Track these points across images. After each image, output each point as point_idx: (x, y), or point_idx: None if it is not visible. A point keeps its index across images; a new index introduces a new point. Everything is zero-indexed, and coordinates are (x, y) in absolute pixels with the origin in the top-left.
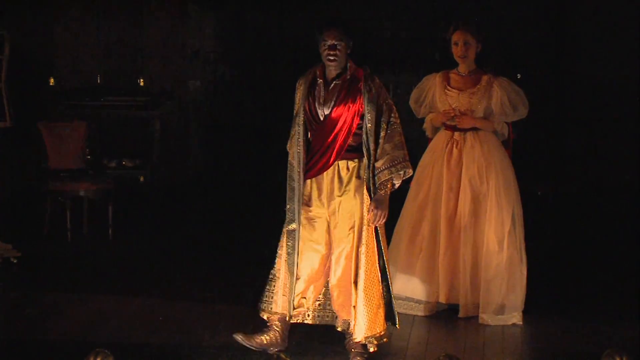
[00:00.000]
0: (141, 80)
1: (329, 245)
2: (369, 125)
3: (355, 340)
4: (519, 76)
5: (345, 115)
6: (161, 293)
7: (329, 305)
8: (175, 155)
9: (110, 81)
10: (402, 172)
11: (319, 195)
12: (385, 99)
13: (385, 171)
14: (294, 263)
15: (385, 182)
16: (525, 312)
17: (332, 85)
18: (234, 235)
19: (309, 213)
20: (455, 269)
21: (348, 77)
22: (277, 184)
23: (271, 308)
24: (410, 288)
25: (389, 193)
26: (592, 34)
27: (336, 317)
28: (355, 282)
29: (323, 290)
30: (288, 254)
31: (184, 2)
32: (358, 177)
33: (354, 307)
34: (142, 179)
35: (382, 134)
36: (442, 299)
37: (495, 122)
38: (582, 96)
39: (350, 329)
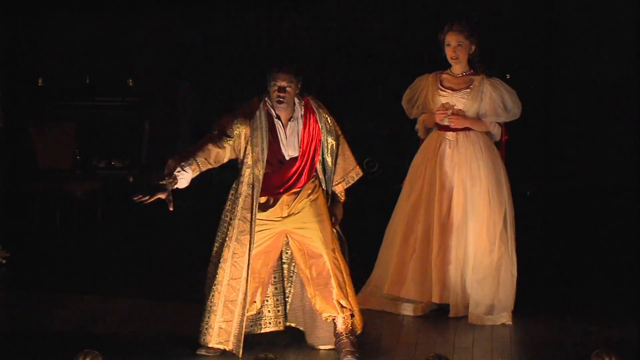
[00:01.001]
0: (130, 80)
1: (280, 250)
2: (327, 151)
3: (357, 331)
4: (508, 76)
5: (310, 151)
6: (150, 293)
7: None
8: (164, 155)
9: (100, 81)
10: (355, 177)
11: (274, 202)
12: (333, 121)
13: (342, 183)
14: (245, 289)
15: (341, 192)
16: (515, 312)
17: (288, 125)
18: None
19: (262, 219)
20: (447, 269)
21: (300, 115)
22: None
23: (206, 340)
24: (403, 288)
25: (344, 199)
26: (581, 34)
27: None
28: (338, 278)
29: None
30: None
31: (173, 2)
32: (314, 182)
33: (338, 301)
34: (131, 179)
35: (337, 151)
36: (435, 299)
37: (488, 123)
38: (571, 96)
39: (337, 328)
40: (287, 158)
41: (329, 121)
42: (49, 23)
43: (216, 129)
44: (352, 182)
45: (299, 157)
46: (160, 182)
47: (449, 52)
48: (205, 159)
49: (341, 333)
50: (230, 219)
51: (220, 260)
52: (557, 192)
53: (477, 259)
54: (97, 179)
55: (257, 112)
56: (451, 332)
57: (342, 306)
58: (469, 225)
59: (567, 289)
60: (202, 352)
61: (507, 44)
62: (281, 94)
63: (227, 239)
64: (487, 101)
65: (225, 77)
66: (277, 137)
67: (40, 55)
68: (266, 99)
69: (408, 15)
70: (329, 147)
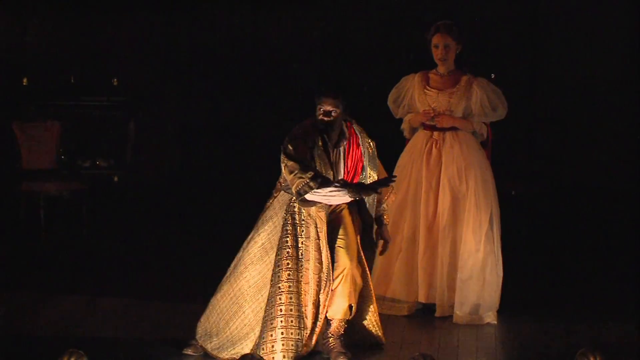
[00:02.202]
0: (115, 80)
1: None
2: (368, 174)
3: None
4: (493, 76)
5: (352, 176)
6: (135, 292)
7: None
8: (149, 155)
9: (84, 81)
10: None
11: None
12: (374, 145)
13: (386, 211)
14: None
15: (385, 216)
16: (500, 312)
17: (336, 150)
18: (207, 235)
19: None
20: (434, 268)
21: (346, 140)
22: (250, 184)
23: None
24: (389, 288)
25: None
26: (565, 33)
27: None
28: (356, 284)
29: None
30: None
31: (157, 2)
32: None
33: (350, 305)
34: (116, 179)
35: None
36: (421, 299)
37: (474, 123)
38: (555, 95)
39: (331, 329)
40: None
41: (371, 145)
42: (34, 22)
43: (293, 157)
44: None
45: (346, 175)
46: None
47: (436, 54)
48: None
49: (332, 334)
50: (302, 243)
51: (301, 283)
52: (543, 192)
53: (463, 259)
54: (82, 179)
55: (316, 137)
56: (437, 331)
57: (349, 312)
58: (455, 225)
59: (552, 288)
60: (189, 351)
61: (491, 43)
62: (326, 118)
63: (303, 261)
64: (474, 101)
65: (211, 77)
66: (331, 160)
67: (24, 54)
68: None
69: (393, 14)
70: (369, 168)
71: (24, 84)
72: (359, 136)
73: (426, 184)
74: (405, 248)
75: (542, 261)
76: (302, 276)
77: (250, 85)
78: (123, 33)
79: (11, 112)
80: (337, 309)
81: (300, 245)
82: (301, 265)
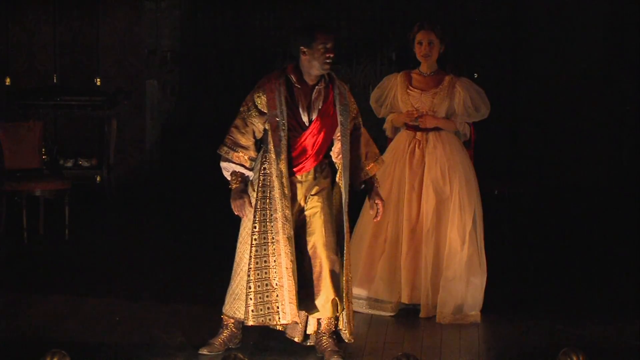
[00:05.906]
0: (97, 79)
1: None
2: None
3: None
4: (476, 75)
5: (329, 120)
6: (118, 293)
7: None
8: (131, 155)
9: (67, 81)
10: (379, 156)
11: (292, 194)
12: (353, 102)
13: (373, 164)
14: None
15: (374, 176)
16: (484, 311)
17: (315, 90)
18: (189, 235)
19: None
20: (417, 269)
21: (324, 86)
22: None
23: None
24: (372, 288)
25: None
26: (547, 34)
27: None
28: (338, 274)
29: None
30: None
31: (139, 1)
32: (326, 176)
33: (333, 300)
34: (98, 178)
35: (357, 133)
36: (404, 299)
37: (458, 123)
38: (538, 95)
39: (321, 328)
40: (306, 123)
41: (344, 95)
42: (16, 22)
43: (243, 106)
44: (380, 162)
45: (319, 120)
46: (235, 187)
47: (420, 50)
48: (250, 156)
49: (324, 332)
50: (271, 217)
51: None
52: (525, 191)
53: (447, 259)
54: (64, 179)
55: (275, 79)
56: (420, 331)
57: (336, 308)
58: (439, 226)
59: (535, 288)
60: (205, 351)
61: (473, 43)
62: (331, 55)
63: (273, 235)
64: (457, 101)
65: (192, 76)
66: (296, 101)
67: (6, 54)
68: (287, 67)
69: (375, 14)
70: (342, 120)
71: (7, 83)
72: (335, 90)
73: (409, 185)
74: (388, 248)
75: (525, 261)
76: (273, 250)
77: (232, 83)
78: (105, 32)
79: None
80: (322, 309)
81: (268, 220)
82: (272, 239)
